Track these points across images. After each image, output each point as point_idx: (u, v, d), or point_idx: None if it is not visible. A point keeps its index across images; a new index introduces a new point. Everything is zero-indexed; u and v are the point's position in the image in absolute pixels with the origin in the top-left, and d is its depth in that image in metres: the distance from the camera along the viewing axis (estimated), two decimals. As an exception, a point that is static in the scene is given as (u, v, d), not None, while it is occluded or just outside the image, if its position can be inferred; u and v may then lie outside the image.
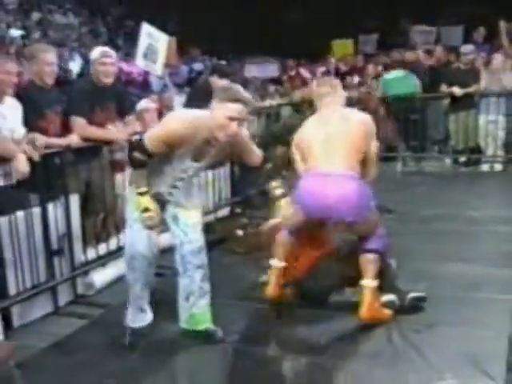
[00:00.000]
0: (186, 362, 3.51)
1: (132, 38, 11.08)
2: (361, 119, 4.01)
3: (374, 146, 4.00)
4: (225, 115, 3.31)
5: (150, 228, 3.56)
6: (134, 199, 3.58)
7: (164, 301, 4.00)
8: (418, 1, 10.91)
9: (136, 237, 3.63)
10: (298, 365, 3.37)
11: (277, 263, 4.10)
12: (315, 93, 4.28)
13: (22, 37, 9.73)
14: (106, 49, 5.05)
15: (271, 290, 4.08)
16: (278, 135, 6.31)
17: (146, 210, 3.45)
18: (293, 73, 10.00)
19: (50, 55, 4.61)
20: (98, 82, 4.84)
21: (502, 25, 8.98)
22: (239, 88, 3.48)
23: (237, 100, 3.34)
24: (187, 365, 3.47)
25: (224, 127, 3.33)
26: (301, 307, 4.10)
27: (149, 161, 3.47)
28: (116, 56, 5.13)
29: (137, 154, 3.41)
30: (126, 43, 9.88)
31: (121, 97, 5.14)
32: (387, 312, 3.84)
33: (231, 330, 3.76)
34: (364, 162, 3.92)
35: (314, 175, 3.88)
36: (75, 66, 8.92)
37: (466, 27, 11.27)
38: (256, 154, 3.78)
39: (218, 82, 6.09)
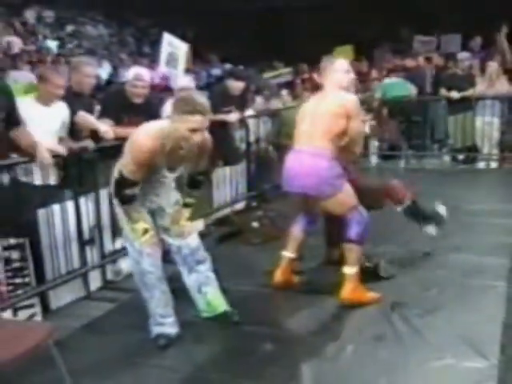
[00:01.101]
0: (204, 341, 3.51)
1: (156, 45, 11.14)
2: (340, 101, 3.92)
3: (357, 125, 3.95)
4: (186, 128, 3.18)
5: (155, 245, 3.44)
6: (127, 227, 3.42)
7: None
8: (417, 10, 10.80)
9: (138, 255, 3.41)
10: (305, 348, 3.35)
11: (286, 253, 4.21)
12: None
13: (58, 47, 9.84)
14: (140, 71, 5.07)
15: (277, 277, 4.20)
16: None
17: (145, 231, 3.35)
18: (306, 76, 9.96)
19: (90, 68, 4.76)
20: (129, 99, 4.93)
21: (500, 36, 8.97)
22: (196, 97, 3.31)
23: (195, 111, 3.17)
24: (206, 344, 3.47)
25: (187, 139, 3.20)
26: (307, 293, 4.10)
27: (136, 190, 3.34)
28: (148, 77, 5.13)
29: (127, 191, 3.27)
30: (151, 51, 9.93)
31: (152, 112, 5.03)
32: (368, 296, 3.90)
33: (247, 314, 3.75)
34: (348, 141, 3.93)
35: (292, 152, 4.02)
36: (104, 72, 9.02)
37: (463, 35, 11.20)
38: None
39: (233, 84, 6.15)
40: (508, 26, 8.99)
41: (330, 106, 3.89)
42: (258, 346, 3.38)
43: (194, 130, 3.18)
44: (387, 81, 9.25)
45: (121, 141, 4.64)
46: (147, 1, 12.46)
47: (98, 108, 4.94)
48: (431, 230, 4.65)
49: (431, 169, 8.27)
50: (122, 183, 3.29)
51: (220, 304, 3.69)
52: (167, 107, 5.71)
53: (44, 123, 4.13)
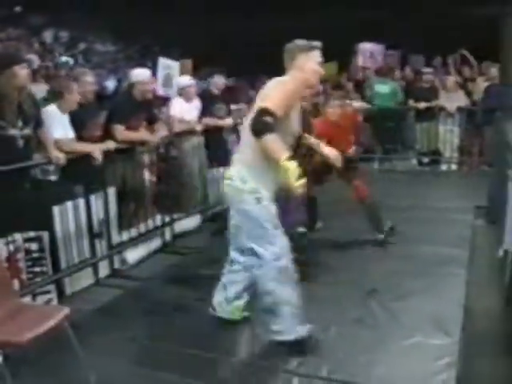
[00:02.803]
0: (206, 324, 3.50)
1: (157, 60, 11.18)
2: None
3: None
4: (315, 62, 2.93)
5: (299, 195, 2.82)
6: (271, 181, 2.88)
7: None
8: (387, 29, 10.78)
9: (282, 249, 2.92)
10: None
11: None
12: None
13: (69, 63, 9.87)
14: (142, 71, 5.10)
15: None
16: None
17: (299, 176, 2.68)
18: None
19: (89, 76, 4.69)
20: (137, 98, 4.91)
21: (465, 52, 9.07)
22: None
23: (316, 47, 2.96)
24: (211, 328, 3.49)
25: (319, 72, 2.95)
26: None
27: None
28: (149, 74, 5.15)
29: (267, 118, 2.69)
30: (153, 65, 9.99)
31: (150, 108, 5.22)
32: None
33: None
34: None
35: None
36: (110, 84, 9.01)
37: (427, 55, 11.29)
38: None
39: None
40: (460, 49, 9.16)
41: None
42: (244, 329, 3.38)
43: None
44: (379, 87, 8.88)
45: (129, 144, 4.71)
46: (149, 21, 12.51)
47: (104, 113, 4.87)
48: (379, 236, 4.79)
49: (401, 170, 8.32)
50: (265, 111, 2.71)
51: (244, 307, 3.38)
52: (172, 105, 5.72)
53: (65, 128, 4.14)
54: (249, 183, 2.89)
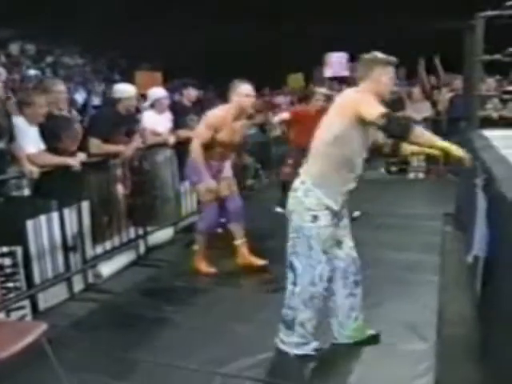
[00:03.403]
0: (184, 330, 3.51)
1: (124, 73, 11.17)
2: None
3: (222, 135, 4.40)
4: (388, 78, 2.90)
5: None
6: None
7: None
8: (350, 41, 10.92)
9: (318, 276, 2.90)
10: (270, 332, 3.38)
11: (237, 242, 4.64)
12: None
13: (37, 76, 9.74)
14: (131, 88, 5.14)
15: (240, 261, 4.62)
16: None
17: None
18: (267, 99, 9.98)
19: (60, 85, 4.62)
20: (121, 113, 4.96)
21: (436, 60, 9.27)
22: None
23: (390, 62, 2.93)
24: (193, 335, 3.47)
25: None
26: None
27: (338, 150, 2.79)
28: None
29: (397, 118, 2.72)
30: (120, 78, 9.95)
31: (131, 122, 5.24)
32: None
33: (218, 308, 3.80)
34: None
35: None
36: (79, 97, 8.93)
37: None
38: None
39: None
40: (425, 60, 9.36)
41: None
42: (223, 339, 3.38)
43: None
44: None
45: (106, 157, 4.66)
46: (117, 35, 12.47)
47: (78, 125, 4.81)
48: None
49: (369, 179, 8.44)
50: (384, 115, 2.63)
51: (366, 326, 3.20)
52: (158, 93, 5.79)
53: (36, 140, 4.06)
54: (310, 198, 2.84)
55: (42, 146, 4.08)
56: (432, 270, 4.28)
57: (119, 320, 3.72)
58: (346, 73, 9.40)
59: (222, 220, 4.83)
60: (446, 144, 2.72)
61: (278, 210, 5.84)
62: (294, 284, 2.94)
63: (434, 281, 4.06)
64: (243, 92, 4.38)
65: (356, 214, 5.71)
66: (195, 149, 4.43)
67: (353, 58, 9.91)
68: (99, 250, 4.62)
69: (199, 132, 4.49)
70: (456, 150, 2.70)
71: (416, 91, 8.64)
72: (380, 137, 3.03)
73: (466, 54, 5.70)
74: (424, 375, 2.80)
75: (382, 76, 2.87)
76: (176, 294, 4.16)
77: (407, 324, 3.35)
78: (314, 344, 3.03)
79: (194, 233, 4.74)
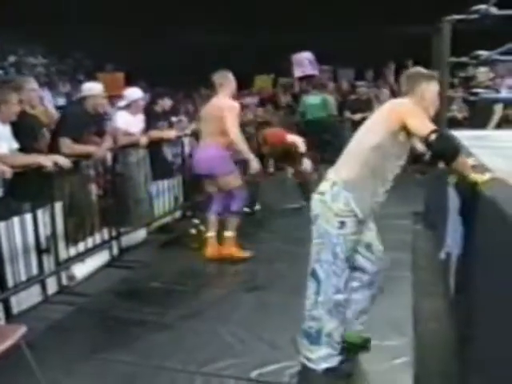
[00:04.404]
0: (167, 334, 3.49)
1: (89, 74, 11.01)
2: (219, 105, 4.73)
3: (230, 122, 4.62)
4: (434, 90, 2.86)
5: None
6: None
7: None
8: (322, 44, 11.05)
9: (343, 284, 2.82)
10: (251, 333, 3.40)
11: (210, 234, 4.91)
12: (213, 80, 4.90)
13: (1, 75, 9.52)
14: (98, 85, 5.06)
15: (209, 253, 4.85)
16: None
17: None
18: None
19: (33, 83, 4.54)
20: (89, 111, 4.88)
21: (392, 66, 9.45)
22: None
23: (434, 77, 2.91)
24: (168, 338, 3.45)
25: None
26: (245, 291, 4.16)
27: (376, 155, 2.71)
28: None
29: (450, 140, 2.72)
30: (85, 79, 9.82)
31: (100, 122, 5.23)
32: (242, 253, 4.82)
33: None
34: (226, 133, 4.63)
35: (198, 147, 5.01)
36: (47, 96, 8.72)
37: (356, 69, 11.67)
38: None
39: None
40: (394, 63, 9.53)
41: (216, 110, 4.70)
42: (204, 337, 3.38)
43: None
44: (309, 100, 9.07)
45: (77, 157, 4.59)
46: (84, 35, 12.31)
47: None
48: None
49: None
50: (434, 131, 2.60)
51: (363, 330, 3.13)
52: (117, 118, 5.68)
53: (8, 140, 3.96)
54: (339, 203, 2.72)
55: (15, 146, 3.99)
56: (405, 267, 4.35)
57: (95, 322, 3.67)
58: (316, 72, 9.44)
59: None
60: (477, 178, 2.68)
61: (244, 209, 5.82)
62: (317, 293, 2.82)
63: (408, 277, 4.13)
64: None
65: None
66: (240, 137, 4.69)
67: (320, 61, 10.03)
68: (72, 251, 4.54)
69: (234, 123, 4.65)
70: (484, 183, 2.64)
71: (384, 93, 8.78)
72: (419, 145, 3.01)
73: (434, 56, 5.82)
74: (403, 369, 2.85)
75: (427, 91, 2.83)
76: (151, 295, 4.14)
77: (385, 320, 3.38)
78: (341, 357, 2.90)
79: (227, 218, 4.88)
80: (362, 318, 3.07)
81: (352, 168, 2.74)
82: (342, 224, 2.72)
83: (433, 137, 2.57)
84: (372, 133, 2.75)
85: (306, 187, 6.32)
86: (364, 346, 3.09)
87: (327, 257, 2.78)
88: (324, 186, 2.80)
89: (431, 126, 2.62)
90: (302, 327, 2.92)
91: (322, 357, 2.85)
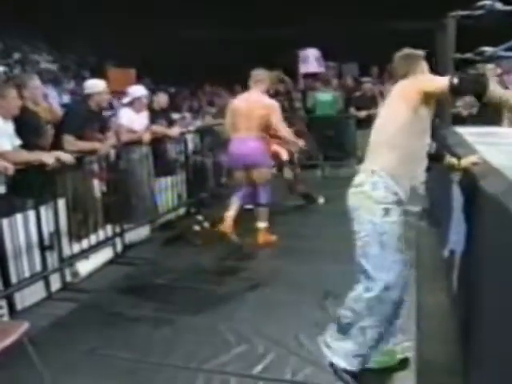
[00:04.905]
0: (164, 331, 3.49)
1: (94, 71, 11.01)
2: (264, 103, 5.02)
3: (277, 119, 5.03)
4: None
5: None
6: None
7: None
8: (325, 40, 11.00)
9: (397, 278, 2.62)
10: (250, 331, 3.40)
11: (229, 213, 5.05)
12: (255, 78, 5.16)
13: (5, 72, 9.53)
14: (101, 82, 5.06)
15: (223, 227, 5.01)
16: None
17: None
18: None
19: (36, 81, 4.56)
20: (92, 108, 4.90)
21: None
22: None
23: None
24: (167, 334, 3.45)
25: None
26: (246, 285, 4.16)
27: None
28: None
29: (467, 75, 2.62)
30: (90, 75, 9.80)
31: (103, 118, 5.25)
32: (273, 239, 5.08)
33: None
34: (268, 128, 5.03)
35: (236, 139, 5.05)
36: (51, 93, 8.73)
37: (360, 64, 11.62)
38: None
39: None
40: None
41: (257, 105, 4.96)
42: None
43: None
44: (321, 96, 9.15)
45: (81, 154, 4.60)
46: (88, 30, 12.29)
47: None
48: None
49: (344, 176, 8.51)
50: (459, 75, 2.53)
51: (396, 349, 2.93)
52: (121, 115, 5.71)
53: (11, 137, 3.96)
54: (379, 190, 2.60)
55: (18, 142, 3.99)
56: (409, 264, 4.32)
57: (98, 319, 3.67)
58: (322, 69, 9.41)
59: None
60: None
61: (247, 207, 5.98)
62: (367, 289, 2.62)
63: (412, 274, 4.09)
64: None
65: (321, 200, 6.69)
66: (289, 131, 5.22)
67: (325, 56, 10.01)
68: (76, 248, 4.55)
69: (280, 119, 5.07)
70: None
71: (389, 89, 8.73)
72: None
73: (438, 53, 5.79)
74: (405, 364, 2.86)
75: (425, 68, 2.87)
76: (155, 292, 4.14)
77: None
78: (363, 365, 2.70)
79: (257, 210, 5.18)
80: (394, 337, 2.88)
81: (385, 155, 2.65)
82: (387, 211, 2.58)
83: (455, 81, 2.49)
84: (393, 117, 2.68)
85: (299, 192, 6.64)
86: (401, 367, 2.87)
87: (375, 250, 2.60)
88: (360, 178, 2.70)
89: (445, 78, 2.58)
90: (337, 313, 2.76)
91: (345, 351, 2.68)
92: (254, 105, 4.97)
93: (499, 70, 7.06)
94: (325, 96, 8.99)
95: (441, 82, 2.59)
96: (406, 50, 2.96)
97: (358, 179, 2.71)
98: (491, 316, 2.20)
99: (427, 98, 2.62)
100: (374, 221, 2.59)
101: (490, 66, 6.79)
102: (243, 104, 5.04)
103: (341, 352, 2.69)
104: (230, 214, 5.05)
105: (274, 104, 5.05)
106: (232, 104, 5.20)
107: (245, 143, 4.97)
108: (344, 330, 2.68)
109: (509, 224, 1.89)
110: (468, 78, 2.53)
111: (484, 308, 2.39)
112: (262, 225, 5.12)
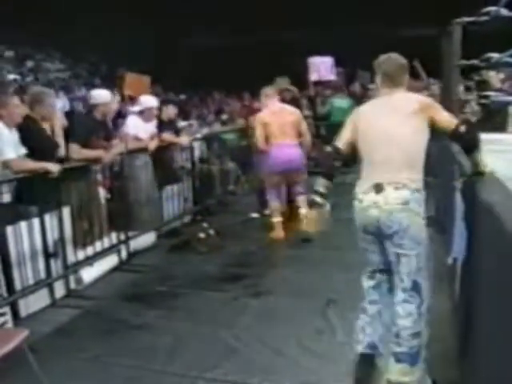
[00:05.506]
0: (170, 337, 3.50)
1: (106, 79, 11.14)
2: (290, 110, 5.66)
3: (305, 125, 5.71)
4: None
5: None
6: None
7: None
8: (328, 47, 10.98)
9: (432, 288, 2.71)
10: (254, 338, 3.41)
11: (276, 219, 5.56)
12: (264, 93, 5.70)
13: (15, 80, 9.68)
14: (107, 93, 5.14)
15: (276, 235, 5.50)
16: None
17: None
18: (246, 103, 9.93)
19: (53, 98, 4.60)
20: (98, 118, 4.98)
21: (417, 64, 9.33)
22: None
23: None
24: (175, 343, 3.47)
25: None
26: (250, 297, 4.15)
27: None
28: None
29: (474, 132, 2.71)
30: (101, 83, 9.91)
31: (108, 127, 5.27)
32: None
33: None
34: (300, 135, 5.60)
35: (277, 146, 5.46)
36: (59, 102, 8.86)
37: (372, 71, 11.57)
38: None
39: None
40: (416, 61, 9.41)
41: (290, 114, 5.57)
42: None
43: None
44: (337, 103, 9.13)
45: (86, 162, 4.64)
46: (99, 38, 12.43)
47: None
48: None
49: (350, 183, 8.47)
50: (465, 122, 2.70)
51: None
52: (128, 123, 5.76)
53: (16, 145, 4.01)
54: (421, 207, 2.67)
55: (23, 151, 4.04)
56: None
57: (102, 326, 3.69)
58: (332, 77, 9.39)
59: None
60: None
61: (253, 215, 6.38)
62: (420, 306, 2.63)
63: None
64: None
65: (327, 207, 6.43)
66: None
67: (336, 63, 9.98)
68: (81, 255, 4.59)
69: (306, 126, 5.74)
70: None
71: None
72: None
73: (444, 59, 5.77)
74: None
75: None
76: (159, 300, 4.16)
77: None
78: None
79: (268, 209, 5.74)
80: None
81: (418, 170, 2.69)
82: (426, 226, 2.71)
83: (462, 128, 2.59)
84: (419, 132, 2.69)
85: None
86: None
87: (425, 264, 2.67)
88: (402, 195, 2.63)
89: (454, 120, 2.69)
90: (399, 351, 2.65)
91: (418, 379, 2.64)
92: (284, 112, 5.57)
93: (502, 75, 7.03)
94: (341, 102, 8.98)
95: (452, 122, 2.70)
96: (400, 59, 2.95)
97: (399, 197, 2.64)
98: (488, 326, 2.19)
99: (432, 125, 2.71)
100: (423, 236, 2.68)
101: (491, 72, 6.77)
102: (272, 115, 5.52)
103: (412, 379, 2.64)
104: (277, 220, 5.55)
105: (298, 111, 5.70)
106: (259, 118, 5.63)
107: (289, 149, 5.45)
108: (415, 358, 2.64)
109: (503, 234, 1.88)
110: (472, 133, 2.65)
111: (481, 318, 2.38)
112: (305, 211, 5.23)
